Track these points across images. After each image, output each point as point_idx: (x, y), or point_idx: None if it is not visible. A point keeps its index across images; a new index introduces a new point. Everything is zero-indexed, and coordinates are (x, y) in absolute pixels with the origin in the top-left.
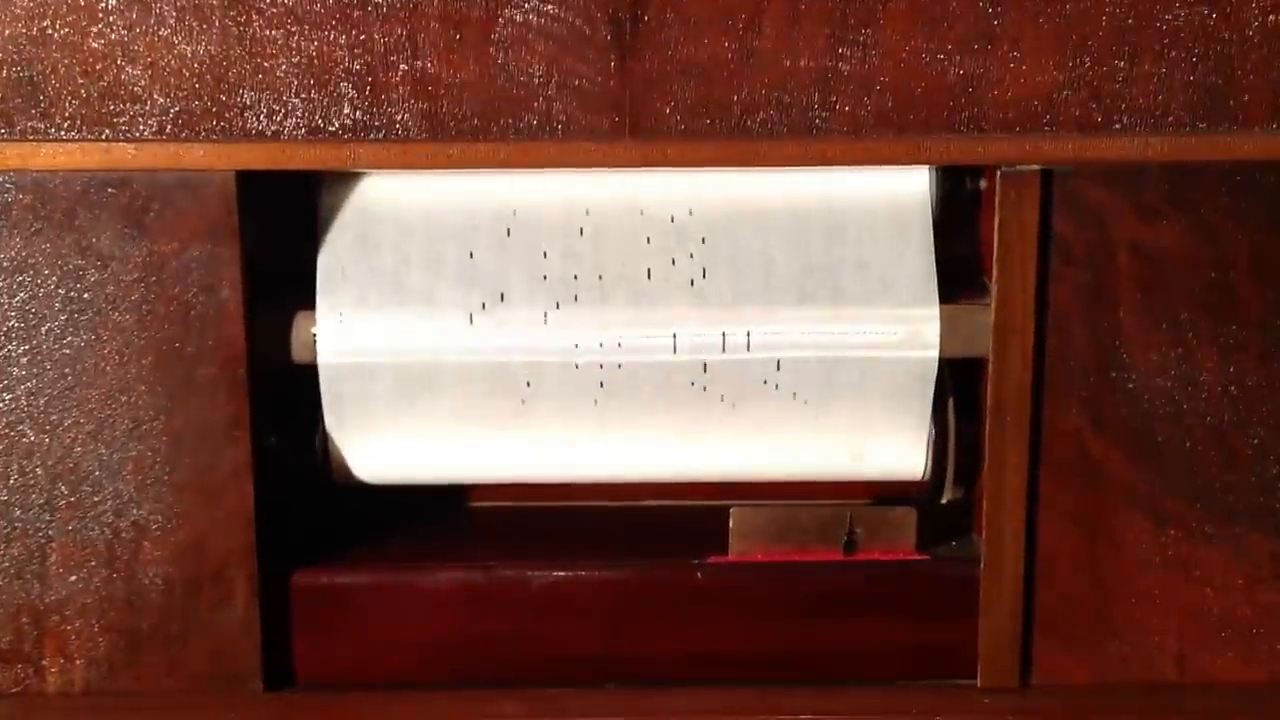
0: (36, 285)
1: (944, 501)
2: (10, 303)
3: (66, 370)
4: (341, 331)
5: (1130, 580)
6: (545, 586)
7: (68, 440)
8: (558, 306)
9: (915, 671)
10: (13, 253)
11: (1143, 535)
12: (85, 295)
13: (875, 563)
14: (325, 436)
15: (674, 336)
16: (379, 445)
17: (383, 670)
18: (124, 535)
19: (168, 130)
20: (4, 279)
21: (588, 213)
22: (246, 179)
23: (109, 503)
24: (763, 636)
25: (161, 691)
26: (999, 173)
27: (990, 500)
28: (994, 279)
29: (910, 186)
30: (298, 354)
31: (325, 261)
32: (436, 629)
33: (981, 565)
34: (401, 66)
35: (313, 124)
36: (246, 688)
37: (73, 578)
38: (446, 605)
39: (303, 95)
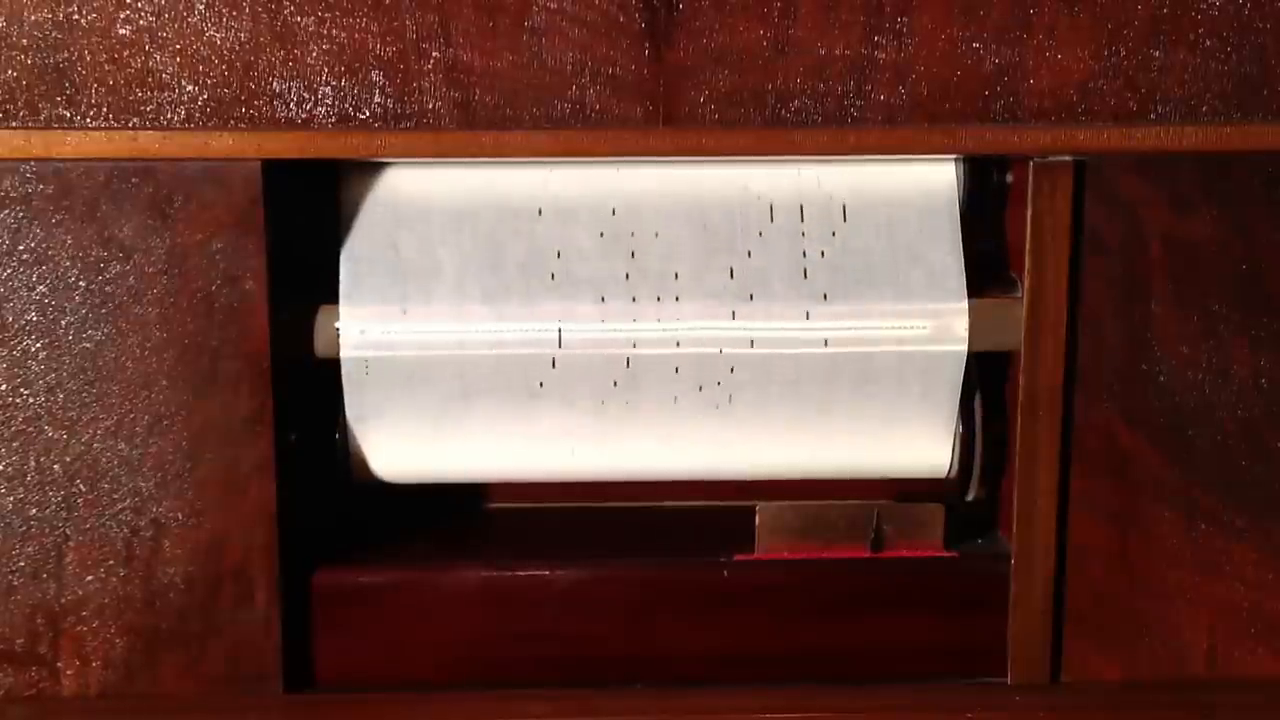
0: (57, 277)
1: (969, 499)
2: (30, 295)
3: (86, 365)
4: (365, 326)
5: (1161, 575)
6: (570, 585)
7: (87, 436)
8: (585, 301)
9: (945, 669)
10: (33, 244)
11: (1174, 530)
12: (106, 288)
13: (905, 560)
14: (346, 433)
15: (701, 331)
16: (401, 442)
17: (405, 671)
18: (143, 534)
19: (196, 118)
20: (24, 271)
21: (617, 206)
22: (272, 170)
23: (128, 500)
24: (791, 634)
25: (180, 694)
26: (1032, 163)
27: (1021, 495)
28: (1026, 271)
29: (938, 180)
30: (321, 349)
31: (349, 255)
32: (461, 629)
33: (1012, 561)
34: (434, 54)
35: (343, 112)
36: (266, 689)
37: (90, 577)
38: (470, 605)
39: (333, 83)
